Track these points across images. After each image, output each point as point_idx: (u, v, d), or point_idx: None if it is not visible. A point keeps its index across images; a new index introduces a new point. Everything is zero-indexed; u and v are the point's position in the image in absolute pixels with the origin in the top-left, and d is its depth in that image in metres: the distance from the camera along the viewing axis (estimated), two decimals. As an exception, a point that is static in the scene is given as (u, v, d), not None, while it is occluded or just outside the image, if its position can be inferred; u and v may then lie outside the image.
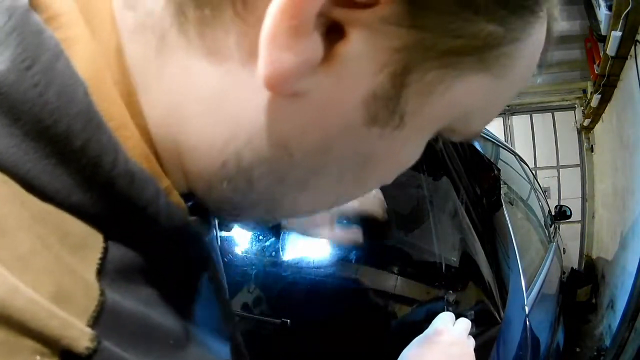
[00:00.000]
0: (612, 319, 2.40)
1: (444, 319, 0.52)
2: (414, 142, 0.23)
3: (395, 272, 0.75)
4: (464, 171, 0.80)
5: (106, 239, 0.18)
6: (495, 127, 4.89)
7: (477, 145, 0.93)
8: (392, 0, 0.16)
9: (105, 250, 0.18)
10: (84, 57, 0.18)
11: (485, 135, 1.27)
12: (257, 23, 0.16)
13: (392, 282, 0.74)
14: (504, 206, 0.90)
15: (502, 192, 0.91)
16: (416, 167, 0.80)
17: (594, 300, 3.22)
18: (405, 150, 0.23)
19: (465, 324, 0.51)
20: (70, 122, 0.16)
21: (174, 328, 0.21)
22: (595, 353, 2.32)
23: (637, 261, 1.92)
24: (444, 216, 0.74)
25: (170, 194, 0.21)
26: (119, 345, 0.16)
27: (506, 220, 0.89)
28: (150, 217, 0.19)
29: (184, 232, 0.22)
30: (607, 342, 2.28)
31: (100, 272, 0.17)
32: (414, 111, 0.20)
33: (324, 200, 0.24)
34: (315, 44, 0.17)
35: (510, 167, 1.72)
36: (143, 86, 0.19)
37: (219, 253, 0.34)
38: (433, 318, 0.62)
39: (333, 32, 0.17)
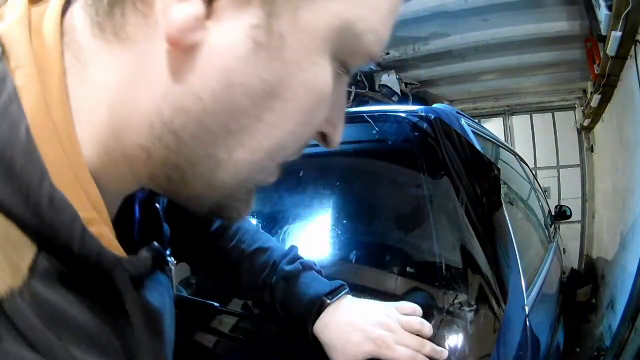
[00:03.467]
0: (612, 319, 2.40)
1: None
2: (313, 65, 0.25)
3: (395, 272, 0.75)
4: (464, 171, 0.80)
5: (39, 249, 0.22)
6: (495, 127, 4.89)
7: (477, 145, 0.93)
8: None
9: (37, 257, 0.22)
10: (32, 104, 0.23)
11: (485, 135, 1.27)
12: (150, 8, 0.23)
13: (392, 282, 0.74)
14: (504, 206, 0.90)
15: (502, 192, 0.91)
16: (416, 167, 0.80)
17: (594, 300, 3.22)
18: (309, 74, 0.25)
19: None
20: (14, 150, 0.21)
21: (92, 329, 0.25)
22: (595, 353, 2.31)
23: (637, 261, 1.92)
24: (444, 216, 0.74)
25: (92, 224, 0.24)
26: (35, 317, 0.21)
27: (506, 220, 0.89)
28: (65, 241, 0.23)
29: (96, 263, 0.25)
30: (607, 342, 2.28)
31: (32, 269, 0.22)
32: (291, 28, 0.23)
33: (258, 147, 0.26)
34: (196, 4, 0.22)
35: (510, 167, 1.72)
36: (81, 111, 0.25)
37: (167, 297, 0.37)
38: (432, 317, 0.62)
39: None
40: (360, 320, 0.57)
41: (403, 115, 0.90)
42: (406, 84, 4.22)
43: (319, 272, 0.65)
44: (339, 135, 0.32)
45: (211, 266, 0.71)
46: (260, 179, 0.29)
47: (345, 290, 0.62)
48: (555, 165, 4.78)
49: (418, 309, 0.60)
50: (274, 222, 1.00)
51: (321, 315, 0.58)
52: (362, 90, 3.79)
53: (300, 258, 0.65)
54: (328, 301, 0.59)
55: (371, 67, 3.84)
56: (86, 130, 0.25)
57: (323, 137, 0.32)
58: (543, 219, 2.10)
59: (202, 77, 0.23)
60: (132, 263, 0.28)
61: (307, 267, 0.64)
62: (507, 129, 5.03)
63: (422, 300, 0.68)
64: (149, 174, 0.27)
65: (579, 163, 4.63)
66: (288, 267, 0.63)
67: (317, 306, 0.59)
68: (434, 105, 0.98)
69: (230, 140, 0.25)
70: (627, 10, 1.92)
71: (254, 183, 0.30)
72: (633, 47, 2.21)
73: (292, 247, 0.68)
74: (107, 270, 0.26)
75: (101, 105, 0.25)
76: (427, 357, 0.55)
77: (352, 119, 1.04)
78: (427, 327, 0.58)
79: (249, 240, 0.69)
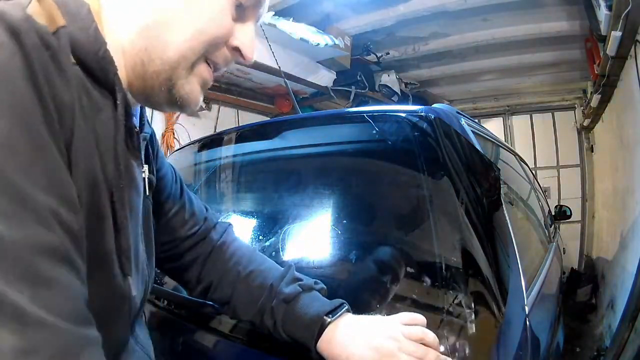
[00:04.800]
0: (612, 319, 2.40)
1: None
2: None
3: (395, 272, 0.75)
4: (464, 171, 0.80)
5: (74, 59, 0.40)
6: (495, 127, 4.90)
7: (477, 145, 0.93)
8: None
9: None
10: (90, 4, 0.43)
11: (485, 135, 1.27)
12: None
13: (393, 282, 0.74)
14: (503, 206, 0.90)
15: (502, 192, 0.91)
16: (416, 167, 0.80)
17: (594, 300, 3.22)
18: None
19: None
20: (82, 10, 0.41)
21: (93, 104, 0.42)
22: (595, 353, 2.32)
23: (637, 261, 1.92)
24: (444, 216, 0.74)
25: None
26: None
27: (506, 220, 0.89)
28: (94, 49, 0.41)
29: (106, 71, 0.42)
30: (607, 342, 2.28)
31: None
32: None
33: (187, 29, 0.44)
34: None
35: (510, 167, 1.72)
36: (105, 19, 0.45)
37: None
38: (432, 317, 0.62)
39: None
40: (363, 332, 0.58)
41: (403, 115, 0.90)
42: (406, 84, 4.22)
43: (320, 289, 0.66)
44: (250, 49, 0.49)
45: (206, 289, 0.72)
46: (192, 58, 0.46)
47: (346, 308, 0.62)
48: (555, 165, 4.78)
49: (420, 318, 0.60)
50: (274, 222, 1.00)
51: (323, 334, 0.59)
52: (362, 90, 3.79)
53: (299, 279, 0.66)
54: (329, 319, 0.59)
55: (371, 67, 3.84)
56: (108, 30, 0.44)
57: (240, 54, 0.49)
58: (543, 219, 2.10)
59: None
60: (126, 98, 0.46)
61: (307, 288, 0.65)
62: (507, 129, 5.03)
63: (422, 300, 0.68)
64: (132, 63, 0.45)
65: (579, 163, 4.63)
66: (287, 290, 0.64)
67: (319, 325, 0.59)
68: (434, 105, 0.98)
69: (172, 27, 0.44)
70: (627, 10, 1.91)
71: (189, 61, 0.46)
72: (633, 47, 2.21)
73: (290, 267, 0.68)
74: (109, 64, 0.42)
75: (114, 16, 0.45)
76: None
77: (352, 119, 1.04)
78: (430, 336, 0.57)
79: (244, 263, 0.70)
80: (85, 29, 0.40)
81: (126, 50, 0.45)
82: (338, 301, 0.63)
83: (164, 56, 0.44)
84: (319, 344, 0.59)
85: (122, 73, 0.45)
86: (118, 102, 0.44)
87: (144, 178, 0.55)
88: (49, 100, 0.34)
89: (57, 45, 0.36)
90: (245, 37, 0.49)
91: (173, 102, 0.47)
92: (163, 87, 0.46)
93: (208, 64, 0.48)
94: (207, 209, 0.76)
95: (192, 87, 0.48)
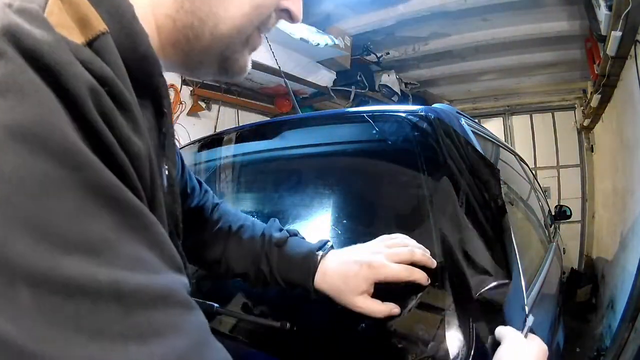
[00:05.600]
0: (612, 319, 2.40)
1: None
2: None
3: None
4: (464, 171, 0.80)
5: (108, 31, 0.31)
6: (495, 127, 4.90)
7: (477, 145, 0.93)
8: None
9: (106, 33, 0.30)
10: None
11: (485, 135, 1.27)
12: None
13: (393, 282, 0.74)
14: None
15: (502, 192, 0.91)
16: (416, 167, 0.80)
17: (594, 300, 3.22)
18: None
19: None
20: (124, 18, 0.32)
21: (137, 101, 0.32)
22: (595, 353, 2.32)
23: (637, 261, 1.92)
24: (444, 216, 0.74)
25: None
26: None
27: (506, 220, 0.88)
28: (134, 44, 0.33)
29: (149, 63, 0.35)
30: (607, 342, 2.28)
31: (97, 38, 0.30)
32: None
33: (243, 4, 0.39)
34: None
35: (510, 167, 1.72)
36: None
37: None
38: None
39: None
40: (351, 254, 0.63)
41: (403, 115, 0.90)
42: (406, 84, 4.23)
43: (302, 238, 0.70)
44: (300, 9, 0.46)
45: (199, 251, 0.72)
46: (249, 31, 0.42)
47: (331, 244, 0.67)
48: (555, 165, 4.78)
49: (402, 237, 0.66)
50: (274, 222, 1.00)
51: (317, 269, 0.63)
52: (362, 90, 3.80)
53: (283, 228, 0.70)
54: (320, 253, 0.64)
55: (371, 67, 3.84)
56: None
57: (288, 14, 0.45)
58: (543, 219, 2.10)
59: None
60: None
61: (293, 233, 0.69)
62: (507, 129, 5.03)
63: (422, 300, 0.68)
64: (173, 40, 0.39)
65: (579, 163, 4.63)
66: (277, 235, 0.67)
67: (313, 261, 0.63)
68: (434, 105, 0.98)
69: (225, 1, 0.39)
70: (627, 10, 1.92)
71: (245, 35, 0.42)
72: (633, 47, 2.21)
73: (274, 219, 0.72)
74: (153, 65, 0.35)
75: None
76: (420, 265, 0.62)
77: (352, 119, 1.04)
78: (412, 241, 0.64)
79: (233, 220, 0.73)
80: (128, 26, 0.33)
81: (162, 25, 0.39)
82: (323, 240, 0.67)
83: (217, 32, 0.40)
84: (315, 280, 0.62)
85: (157, 50, 0.38)
86: (165, 109, 0.39)
87: (167, 175, 0.46)
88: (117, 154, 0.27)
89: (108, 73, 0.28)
90: None
91: (222, 74, 0.44)
92: (213, 62, 0.42)
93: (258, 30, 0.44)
94: (200, 182, 0.77)
95: (245, 59, 0.45)
